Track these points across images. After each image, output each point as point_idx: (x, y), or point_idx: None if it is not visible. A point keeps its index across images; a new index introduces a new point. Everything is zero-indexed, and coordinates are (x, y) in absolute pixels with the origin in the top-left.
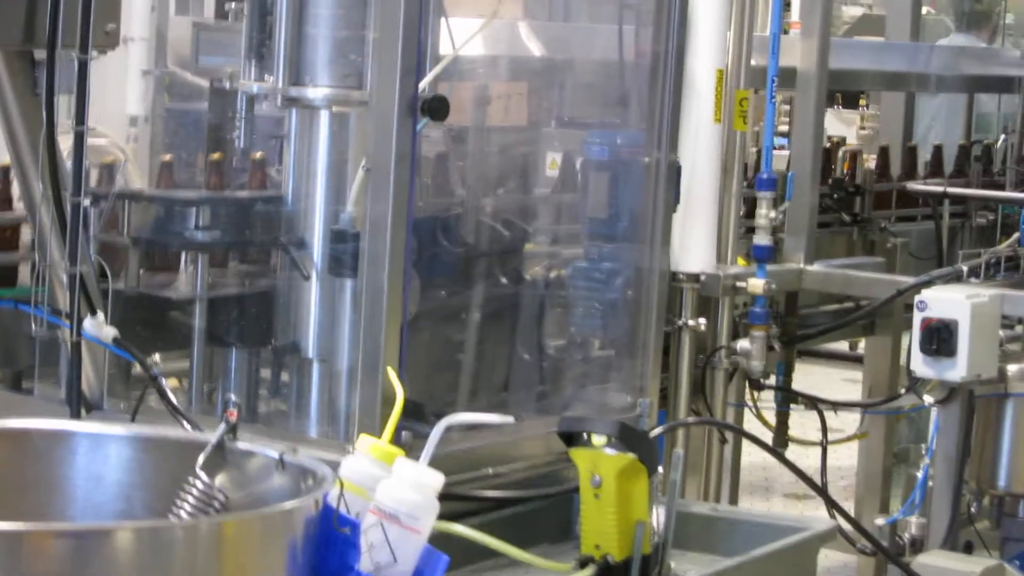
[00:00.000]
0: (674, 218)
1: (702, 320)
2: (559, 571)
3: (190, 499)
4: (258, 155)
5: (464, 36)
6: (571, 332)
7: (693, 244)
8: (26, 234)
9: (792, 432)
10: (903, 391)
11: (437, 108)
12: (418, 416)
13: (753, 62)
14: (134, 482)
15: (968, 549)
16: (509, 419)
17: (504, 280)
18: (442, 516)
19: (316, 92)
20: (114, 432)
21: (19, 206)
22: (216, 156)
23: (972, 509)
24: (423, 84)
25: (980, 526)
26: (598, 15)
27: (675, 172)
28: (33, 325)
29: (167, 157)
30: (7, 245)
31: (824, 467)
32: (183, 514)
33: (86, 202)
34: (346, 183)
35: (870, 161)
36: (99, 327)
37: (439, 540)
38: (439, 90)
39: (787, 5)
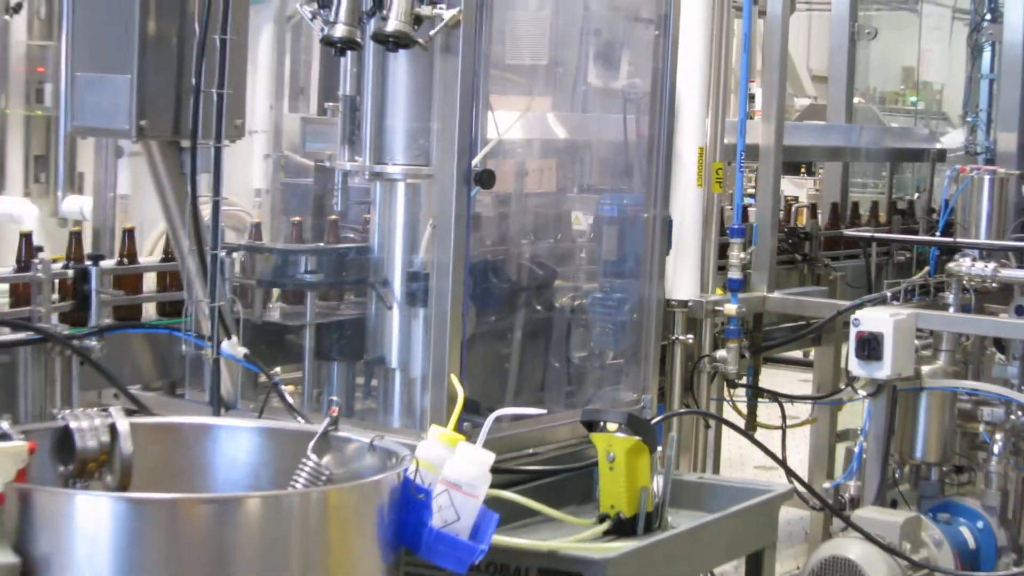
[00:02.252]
0: (667, 259)
1: (690, 336)
2: (583, 525)
3: (303, 475)
4: (351, 216)
5: (506, 124)
6: (591, 346)
7: (682, 278)
8: (148, 281)
9: (760, 419)
10: (843, 387)
11: (486, 179)
12: (475, 410)
13: (726, 141)
14: (261, 463)
15: (893, 505)
16: (543, 411)
17: (539, 307)
18: (493, 485)
19: (394, 169)
20: (245, 425)
21: (142, 260)
22: (319, 218)
23: (896, 475)
24: (475, 161)
25: (902, 488)
26: (608, 106)
27: (667, 224)
28: (184, 347)
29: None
30: (134, 289)
31: (784, 445)
32: (298, 486)
33: (222, 254)
34: (418, 237)
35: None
36: (234, 347)
37: (491, 503)
38: (487, 165)
39: (752, 97)
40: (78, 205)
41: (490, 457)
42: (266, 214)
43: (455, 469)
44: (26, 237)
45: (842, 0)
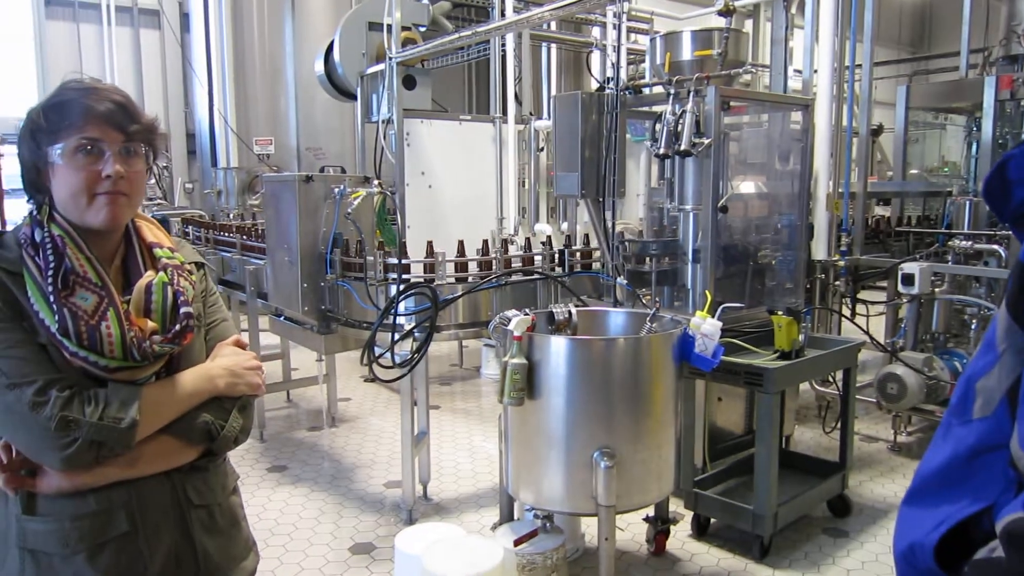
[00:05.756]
0: (811, 242)
1: (823, 275)
2: (766, 354)
3: (644, 330)
4: (676, 228)
5: (737, 186)
6: (777, 278)
7: (819, 249)
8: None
9: (859, 312)
10: (898, 297)
11: (725, 210)
12: (716, 306)
13: (839, 190)
14: (629, 327)
15: (921, 351)
16: (742, 305)
17: (752, 262)
18: (727, 336)
19: (687, 207)
20: (623, 311)
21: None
22: (659, 227)
23: (924, 337)
24: (721, 202)
25: (927, 344)
26: (785, 177)
27: (811, 228)
28: (602, 280)
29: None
30: (588, 257)
31: (868, 324)
32: (643, 334)
33: (618, 244)
34: (698, 235)
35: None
36: (622, 279)
37: (724, 343)
38: (728, 204)
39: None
40: (566, 226)
41: (720, 324)
42: (646, 227)
43: (705, 328)
44: (544, 238)
45: (900, 125)
